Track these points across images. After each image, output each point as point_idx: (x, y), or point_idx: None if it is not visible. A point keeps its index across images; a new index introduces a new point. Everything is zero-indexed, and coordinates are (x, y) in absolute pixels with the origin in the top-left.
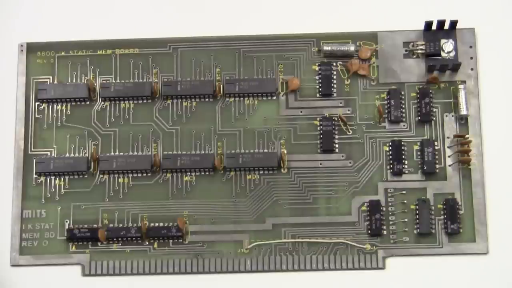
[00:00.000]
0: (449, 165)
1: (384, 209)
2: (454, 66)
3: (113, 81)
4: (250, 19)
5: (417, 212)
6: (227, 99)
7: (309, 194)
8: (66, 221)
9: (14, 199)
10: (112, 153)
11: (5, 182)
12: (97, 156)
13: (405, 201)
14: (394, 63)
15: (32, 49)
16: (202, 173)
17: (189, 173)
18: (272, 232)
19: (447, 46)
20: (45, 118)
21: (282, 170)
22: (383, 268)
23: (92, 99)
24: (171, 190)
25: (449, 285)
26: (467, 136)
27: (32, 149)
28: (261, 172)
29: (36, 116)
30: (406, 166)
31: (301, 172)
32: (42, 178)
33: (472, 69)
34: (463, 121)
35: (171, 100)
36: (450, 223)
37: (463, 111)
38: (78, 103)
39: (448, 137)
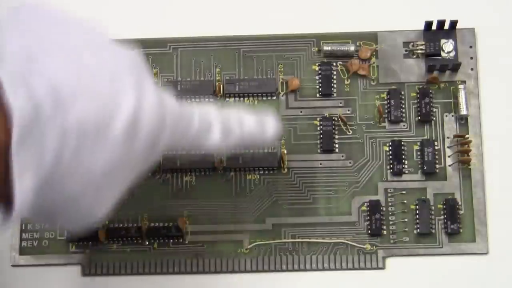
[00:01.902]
0: (449, 165)
1: (384, 209)
2: (454, 66)
3: None
4: (250, 19)
5: (417, 212)
6: (227, 99)
7: (309, 194)
8: None
9: None
10: None
11: None
12: None
13: (405, 201)
14: (394, 63)
15: None
16: (202, 173)
17: (189, 173)
18: (272, 232)
19: (447, 46)
20: None
21: (282, 170)
22: (383, 268)
23: None
24: (171, 190)
25: (449, 285)
26: (467, 136)
27: None
28: (261, 172)
29: None
30: (406, 166)
31: (301, 172)
32: None
33: (472, 69)
34: (463, 121)
35: None
36: (450, 223)
37: (463, 111)
38: None
39: (448, 137)
